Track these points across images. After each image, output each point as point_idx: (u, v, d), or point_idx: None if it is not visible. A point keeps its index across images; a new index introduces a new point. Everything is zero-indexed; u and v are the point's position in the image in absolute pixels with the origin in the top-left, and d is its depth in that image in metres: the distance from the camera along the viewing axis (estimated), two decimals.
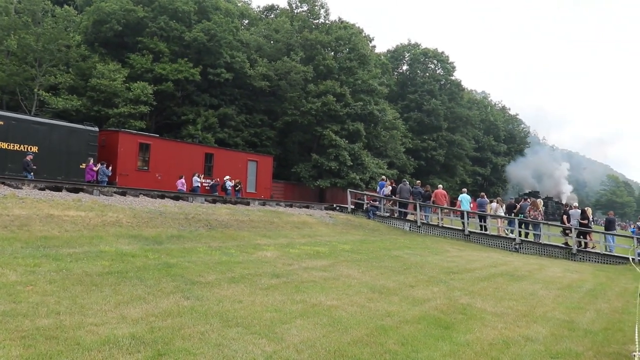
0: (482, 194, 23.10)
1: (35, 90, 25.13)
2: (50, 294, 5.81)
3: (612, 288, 11.27)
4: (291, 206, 20.86)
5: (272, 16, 43.49)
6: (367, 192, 26.10)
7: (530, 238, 19.49)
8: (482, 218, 21.37)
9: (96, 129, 21.12)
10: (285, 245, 12.10)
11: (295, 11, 38.40)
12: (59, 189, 13.88)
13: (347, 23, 38.09)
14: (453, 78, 54.63)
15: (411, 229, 21.15)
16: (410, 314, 6.81)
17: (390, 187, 23.23)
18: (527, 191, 55.68)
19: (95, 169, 19.22)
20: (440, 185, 24.93)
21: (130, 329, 4.95)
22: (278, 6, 44.62)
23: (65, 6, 27.99)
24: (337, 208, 23.53)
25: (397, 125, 42.06)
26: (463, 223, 20.79)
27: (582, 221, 18.81)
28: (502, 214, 20.97)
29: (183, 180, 21.92)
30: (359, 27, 39.49)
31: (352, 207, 22.93)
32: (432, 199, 21.64)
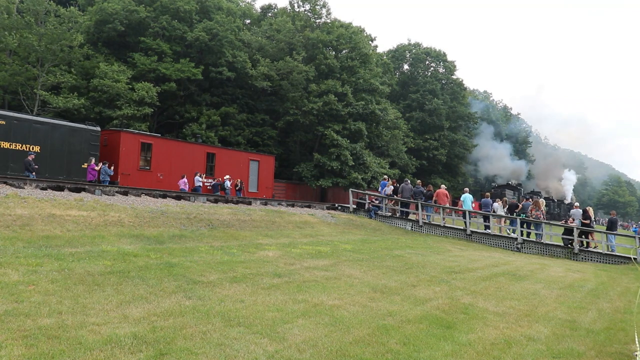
0: (487, 193, 23.05)
1: (37, 90, 25.17)
2: (52, 293, 5.82)
3: (614, 288, 11.25)
4: (293, 206, 20.85)
5: (270, 15, 43.45)
6: (368, 192, 26.08)
7: (532, 238, 19.47)
8: (485, 218, 21.34)
9: (98, 128, 21.15)
10: (287, 245, 12.10)
11: (297, 10, 38.38)
12: (60, 189, 13.90)
13: (345, 23, 38.00)
14: (454, 77, 54.62)
15: (413, 228, 21.15)
16: (412, 314, 6.80)
17: (392, 187, 23.23)
18: (510, 182, 54.82)
19: (97, 168, 19.25)
20: (443, 185, 24.92)
21: (132, 329, 4.96)
22: (276, 5, 44.70)
23: (71, 7, 28.05)
24: (339, 208, 23.52)
25: (399, 125, 42.04)
26: (465, 223, 20.77)
27: (584, 221, 18.78)
28: (502, 213, 20.94)
29: (185, 179, 21.95)
30: (359, 26, 39.43)
31: (354, 206, 22.91)
32: (434, 198, 21.63)
